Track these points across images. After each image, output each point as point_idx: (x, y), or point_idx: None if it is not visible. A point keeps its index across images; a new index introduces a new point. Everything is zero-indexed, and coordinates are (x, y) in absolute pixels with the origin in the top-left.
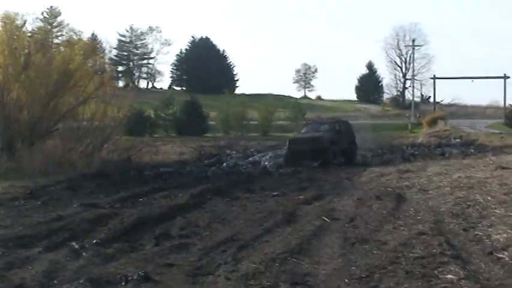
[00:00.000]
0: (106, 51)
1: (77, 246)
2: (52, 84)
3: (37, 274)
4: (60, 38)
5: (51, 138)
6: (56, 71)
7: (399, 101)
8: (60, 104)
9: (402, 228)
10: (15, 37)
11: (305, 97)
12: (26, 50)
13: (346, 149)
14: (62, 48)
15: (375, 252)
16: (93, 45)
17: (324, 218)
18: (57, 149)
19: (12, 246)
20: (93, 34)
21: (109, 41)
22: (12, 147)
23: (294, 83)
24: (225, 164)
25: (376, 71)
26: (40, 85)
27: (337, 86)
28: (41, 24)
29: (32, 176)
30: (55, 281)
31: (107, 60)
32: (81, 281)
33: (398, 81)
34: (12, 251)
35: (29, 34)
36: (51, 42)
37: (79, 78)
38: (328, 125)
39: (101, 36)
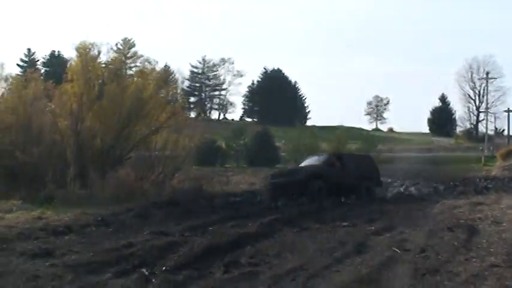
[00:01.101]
0: (178, 82)
1: (146, 273)
2: (125, 113)
3: None
4: (133, 68)
5: (123, 166)
6: (129, 100)
7: (472, 133)
8: (133, 132)
9: (474, 259)
10: (90, 67)
11: (377, 129)
12: (100, 80)
13: (352, 185)
14: (136, 78)
15: (446, 283)
16: (166, 75)
17: (394, 248)
18: (129, 177)
19: (83, 271)
20: (165, 65)
21: (181, 72)
22: (85, 175)
23: (366, 115)
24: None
25: (449, 104)
26: (113, 114)
27: (409, 118)
28: (115, 54)
29: (103, 204)
30: None
31: (179, 91)
32: None
33: (472, 114)
34: (83, 277)
35: (104, 65)
36: (125, 72)
37: (151, 108)
38: (324, 157)
39: (173, 67)
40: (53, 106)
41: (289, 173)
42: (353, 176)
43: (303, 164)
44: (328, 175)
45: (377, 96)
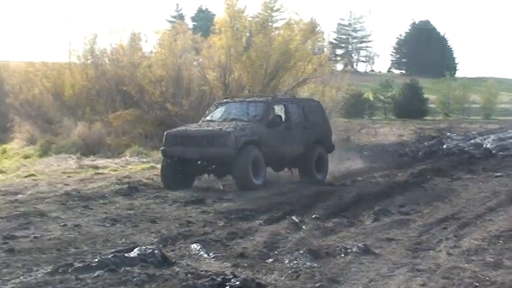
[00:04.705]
0: (325, 35)
1: (296, 220)
2: (272, 64)
3: (258, 244)
4: (280, 21)
5: None
6: (276, 51)
7: None
8: (280, 84)
9: None
10: (237, 20)
11: None
12: (248, 33)
13: (298, 153)
14: (282, 30)
15: None
16: (312, 26)
17: None
18: None
19: (235, 218)
20: (312, 18)
21: (328, 26)
22: None
23: None
24: (445, 146)
25: None
26: (260, 66)
27: None
28: (261, 7)
29: None
30: (275, 251)
31: (325, 43)
32: (301, 252)
33: None
34: (234, 223)
35: (250, 18)
36: (272, 24)
37: (298, 59)
38: (260, 108)
39: (319, 21)
40: (201, 58)
41: (202, 140)
42: (300, 138)
43: (210, 118)
44: (272, 142)
45: None
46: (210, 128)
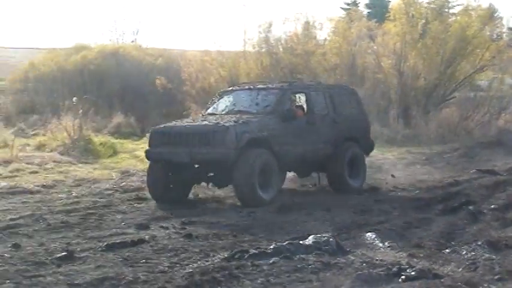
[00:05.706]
0: (504, 21)
1: (473, 211)
2: (448, 51)
3: (434, 234)
4: (456, 7)
5: (447, 106)
6: (453, 38)
7: None
8: (456, 71)
9: None
10: (412, 6)
11: None
12: (423, 21)
13: (329, 156)
14: (459, 17)
15: None
16: (491, 12)
17: None
18: (453, 117)
19: (410, 207)
20: (490, 4)
21: (507, 11)
22: (408, 114)
23: None
24: None
25: None
26: (436, 53)
27: None
28: None
29: (427, 143)
30: (452, 242)
31: (504, 29)
32: (479, 243)
33: None
34: (409, 212)
35: (426, 4)
36: (448, 11)
37: (476, 46)
38: (273, 96)
39: (498, 6)
40: (376, 46)
41: (194, 138)
42: (327, 135)
43: (212, 111)
44: (282, 140)
45: None
46: (205, 123)
